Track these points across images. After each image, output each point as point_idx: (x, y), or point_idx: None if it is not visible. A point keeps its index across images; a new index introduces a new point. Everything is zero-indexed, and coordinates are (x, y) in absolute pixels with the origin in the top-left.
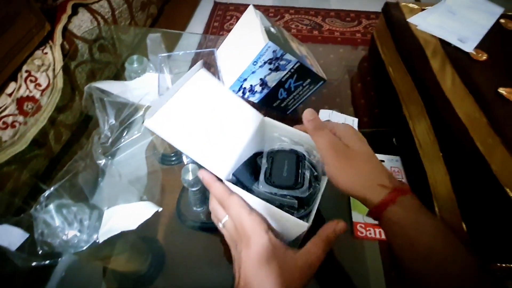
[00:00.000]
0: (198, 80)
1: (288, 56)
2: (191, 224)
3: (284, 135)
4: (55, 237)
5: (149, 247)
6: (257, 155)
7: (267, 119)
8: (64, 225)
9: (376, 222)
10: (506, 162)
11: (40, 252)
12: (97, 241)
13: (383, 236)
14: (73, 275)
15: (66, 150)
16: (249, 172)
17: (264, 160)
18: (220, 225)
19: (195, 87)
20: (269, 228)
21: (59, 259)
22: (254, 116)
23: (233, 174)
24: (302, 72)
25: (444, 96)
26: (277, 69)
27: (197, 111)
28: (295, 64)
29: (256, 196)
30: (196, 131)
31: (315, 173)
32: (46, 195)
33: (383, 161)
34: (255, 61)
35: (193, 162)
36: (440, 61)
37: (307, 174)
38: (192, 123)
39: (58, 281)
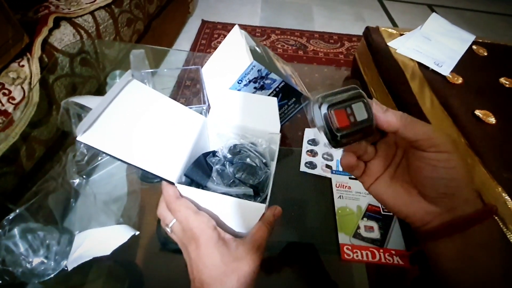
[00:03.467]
0: (131, 89)
1: (273, 75)
2: (172, 247)
3: (230, 131)
4: (17, 266)
5: (126, 272)
6: (205, 155)
7: (211, 118)
8: (28, 252)
9: (364, 244)
10: (485, 182)
11: (0, 282)
12: (66, 268)
13: (370, 259)
14: None
15: (39, 168)
16: (201, 171)
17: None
18: (168, 230)
19: (129, 96)
20: (218, 225)
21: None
22: (196, 118)
23: (185, 175)
24: (287, 91)
25: (424, 117)
26: (262, 87)
27: (135, 120)
28: (280, 83)
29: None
30: (137, 140)
31: (264, 160)
32: (10, 218)
33: None
34: (240, 80)
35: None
36: (419, 83)
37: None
38: (132, 133)
39: None
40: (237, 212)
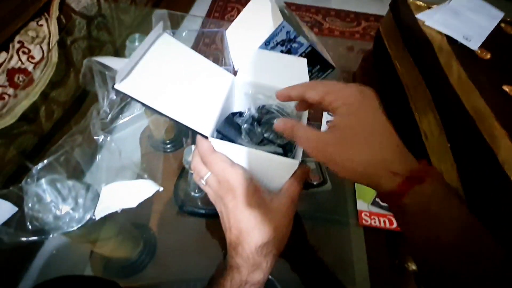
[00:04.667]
0: (163, 43)
1: (301, 39)
2: (189, 209)
3: (258, 92)
4: (47, 212)
5: (141, 234)
6: (234, 114)
7: (239, 78)
8: (57, 200)
9: (382, 211)
10: (511, 154)
11: (29, 228)
12: (94, 217)
13: (388, 226)
14: (59, 257)
15: (56, 129)
16: (232, 128)
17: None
18: (202, 182)
19: (161, 50)
20: (253, 178)
21: (50, 235)
22: (225, 77)
23: (217, 130)
24: (313, 57)
25: (452, 89)
26: (288, 51)
27: (169, 73)
28: (307, 48)
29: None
30: (172, 92)
31: None
32: (39, 167)
33: None
34: (267, 41)
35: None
36: (446, 56)
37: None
38: (165, 84)
39: (46, 259)
40: (271, 167)
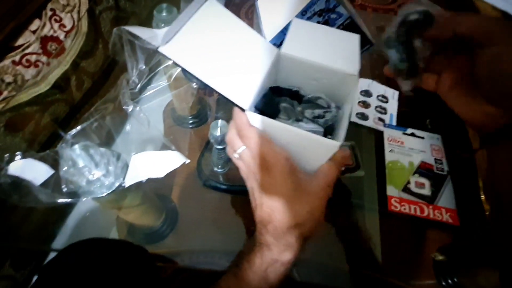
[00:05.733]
0: (208, 9)
1: (340, 9)
2: (211, 184)
3: (303, 69)
4: (81, 177)
5: (163, 205)
6: (273, 89)
7: (284, 52)
8: (90, 165)
9: (413, 198)
10: None
11: (64, 190)
12: (123, 184)
13: (418, 213)
14: (88, 221)
15: (86, 99)
16: (270, 104)
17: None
18: (235, 156)
19: (206, 16)
20: (290, 157)
21: (82, 199)
22: (270, 49)
23: (255, 106)
24: (351, 30)
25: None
26: (325, 23)
27: (211, 40)
28: (346, 19)
29: None
30: (212, 59)
31: (333, 104)
32: (72, 133)
33: (423, 137)
34: (304, 10)
35: (220, 117)
36: None
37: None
38: (208, 52)
39: (75, 222)
40: (309, 148)
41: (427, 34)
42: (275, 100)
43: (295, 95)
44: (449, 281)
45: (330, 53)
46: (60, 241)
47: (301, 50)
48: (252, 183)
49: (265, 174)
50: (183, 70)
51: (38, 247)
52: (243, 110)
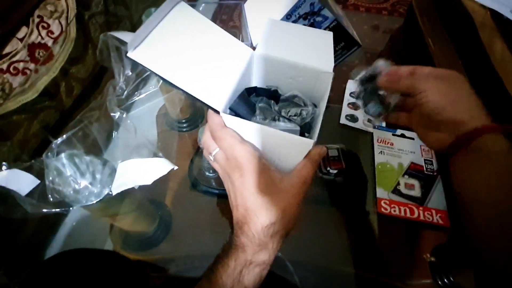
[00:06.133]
0: (179, 12)
1: (325, 12)
2: (203, 188)
3: (278, 68)
4: (66, 186)
5: (157, 210)
6: (249, 90)
7: (259, 52)
8: (76, 175)
9: (403, 200)
10: None
11: (51, 200)
12: (110, 193)
13: (408, 215)
14: (82, 229)
15: (77, 105)
16: (246, 105)
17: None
18: (211, 158)
19: (177, 18)
20: (263, 156)
21: (70, 208)
22: (243, 50)
23: (230, 108)
24: (337, 33)
25: (493, 70)
26: (311, 25)
27: (183, 43)
28: (332, 22)
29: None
30: (186, 63)
31: (310, 101)
32: (58, 142)
33: (412, 138)
34: (289, 14)
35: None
36: (489, 33)
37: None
38: (179, 55)
39: (68, 231)
40: (283, 146)
41: (381, 85)
42: (251, 100)
43: (272, 95)
44: (445, 280)
45: (304, 52)
46: (54, 250)
47: (276, 50)
48: (227, 184)
49: (238, 175)
50: (155, 74)
51: (31, 257)
52: (217, 112)
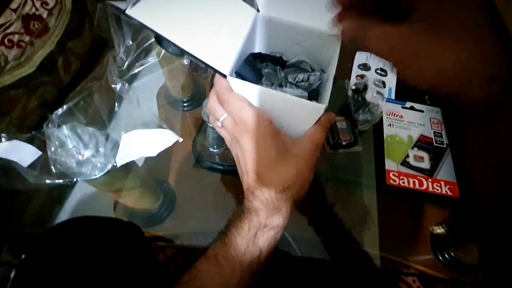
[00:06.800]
0: None
1: None
2: (207, 165)
3: (282, 30)
4: (69, 157)
5: (161, 188)
6: (255, 55)
7: (264, 14)
8: (79, 146)
9: (412, 172)
10: None
11: (54, 171)
12: (115, 165)
13: (417, 186)
14: (86, 205)
15: (75, 82)
16: (252, 70)
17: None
18: (218, 125)
19: None
20: (273, 120)
21: (74, 180)
22: (247, 11)
23: (236, 72)
24: None
25: (509, 38)
26: None
27: (185, 2)
28: None
29: None
30: (187, 23)
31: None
32: (59, 113)
33: (422, 111)
34: None
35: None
36: (504, 0)
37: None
38: (182, 14)
39: (73, 209)
40: (293, 111)
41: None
42: (257, 65)
43: (278, 61)
44: (446, 255)
45: (311, 14)
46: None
47: (281, 11)
48: (236, 150)
49: (248, 139)
50: (158, 37)
51: (36, 232)
52: (224, 76)
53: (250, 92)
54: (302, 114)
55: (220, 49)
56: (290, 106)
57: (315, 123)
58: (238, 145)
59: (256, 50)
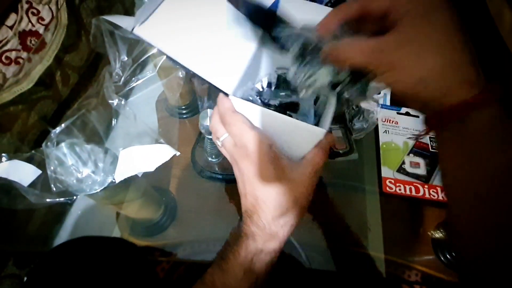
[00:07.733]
0: None
1: None
2: (207, 174)
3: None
4: (69, 175)
5: (162, 197)
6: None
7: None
8: (78, 164)
9: (408, 179)
10: None
11: (54, 190)
12: (114, 181)
13: (413, 193)
14: (89, 217)
15: (74, 95)
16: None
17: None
18: (218, 143)
19: None
20: (273, 144)
21: (74, 197)
22: (255, 30)
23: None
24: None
25: (502, 42)
26: (313, 0)
27: (191, 21)
28: None
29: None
30: (193, 42)
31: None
32: (57, 131)
33: (417, 116)
34: None
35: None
36: (498, 3)
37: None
38: (188, 33)
39: (75, 220)
40: (295, 134)
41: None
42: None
43: (277, 81)
44: (448, 256)
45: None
46: (62, 239)
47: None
48: (236, 171)
49: (247, 163)
50: (167, 55)
51: (40, 247)
52: (227, 95)
53: (251, 112)
54: (303, 137)
55: (225, 68)
56: (291, 128)
57: (315, 146)
58: (237, 167)
59: (263, 69)
